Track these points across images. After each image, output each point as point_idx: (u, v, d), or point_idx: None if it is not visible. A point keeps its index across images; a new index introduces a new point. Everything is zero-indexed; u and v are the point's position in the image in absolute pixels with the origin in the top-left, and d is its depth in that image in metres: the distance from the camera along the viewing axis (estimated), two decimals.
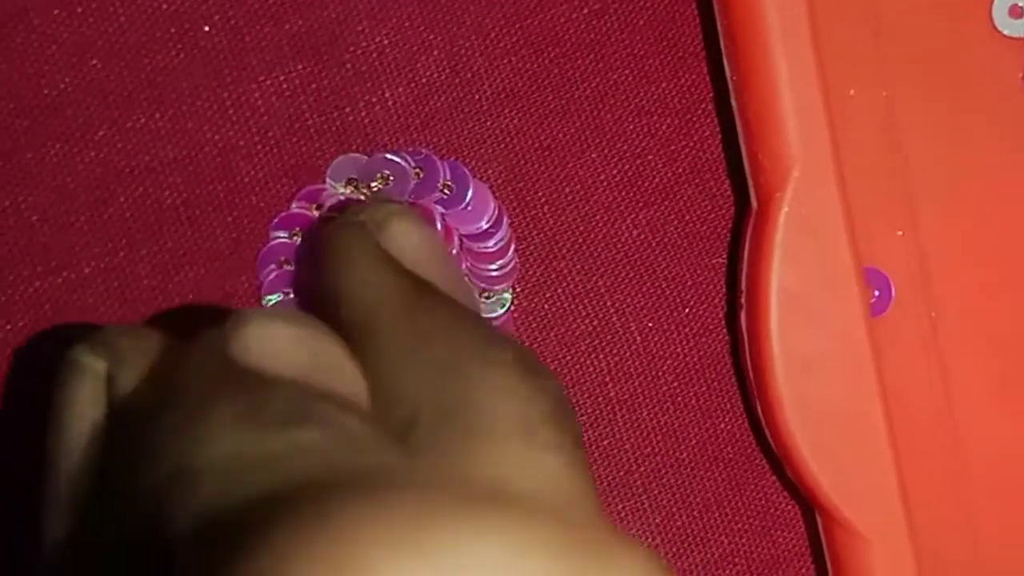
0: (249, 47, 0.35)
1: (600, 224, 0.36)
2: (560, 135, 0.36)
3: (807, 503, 0.36)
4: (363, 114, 0.35)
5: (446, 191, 0.35)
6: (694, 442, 0.37)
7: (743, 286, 0.35)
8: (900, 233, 0.36)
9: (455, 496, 0.18)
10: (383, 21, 0.35)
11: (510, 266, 0.35)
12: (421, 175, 0.35)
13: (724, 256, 0.37)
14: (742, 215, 0.36)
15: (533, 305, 0.36)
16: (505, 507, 0.18)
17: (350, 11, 0.35)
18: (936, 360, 0.36)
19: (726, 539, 0.37)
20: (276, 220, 0.35)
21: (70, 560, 0.25)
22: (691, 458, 0.37)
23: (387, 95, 0.36)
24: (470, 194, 0.35)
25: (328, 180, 0.35)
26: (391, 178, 0.35)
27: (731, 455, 0.37)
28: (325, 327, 0.26)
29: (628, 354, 0.36)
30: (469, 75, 0.36)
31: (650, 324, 0.36)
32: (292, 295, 0.35)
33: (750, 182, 0.35)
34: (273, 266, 0.35)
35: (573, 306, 0.36)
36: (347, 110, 0.35)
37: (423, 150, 0.35)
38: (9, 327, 0.35)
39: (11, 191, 0.34)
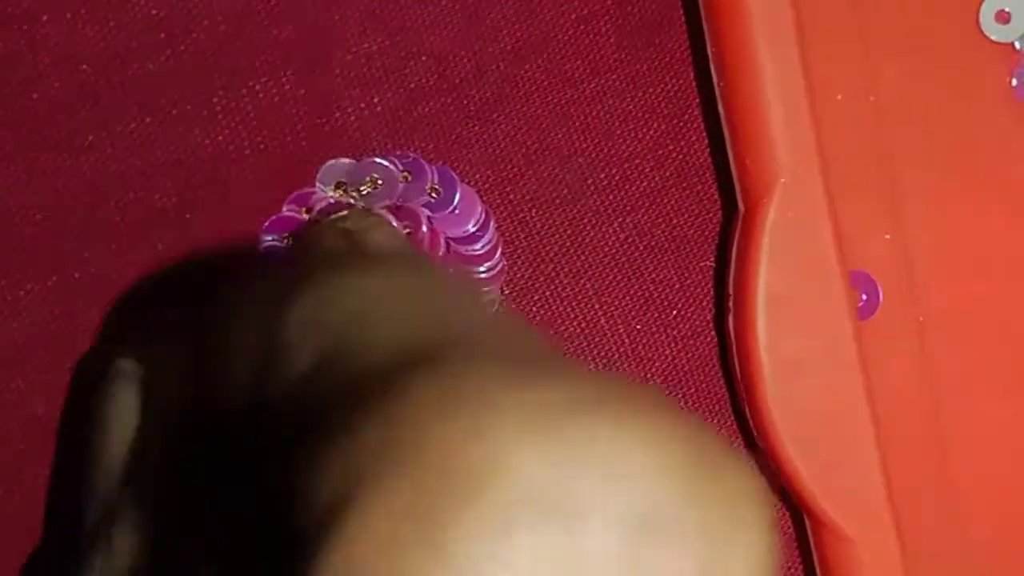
0: (239, 53, 0.35)
1: (588, 228, 0.36)
2: (548, 140, 0.36)
3: (795, 505, 0.36)
4: (352, 119, 0.36)
5: (434, 195, 0.35)
6: None
7: (730, 290, 0.35)
8: (887, 237, 0.36)
9: (594, 386, 0.18)
10: (372, 27, 0.36)
11: (497, 268, 0.35)
12: (409, 179, 0.35)
13: (712, 260, 0.37)
14: (730, 219, 0.36)
15: (521, 307, 0.36)
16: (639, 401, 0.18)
17: (339, 18, 0.35)
18: (923, 363, 0.36)
19: None
20: (267, 223, 0.35)
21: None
22: None
23: (376, 100, 0.36)
24: (457, 198, 0.35)
25: (318, 184, 0.35)
26: (380, 182, 0.35)
27: None
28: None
29: (616, 357, 0.37)
30: (457, 80, 0.36)
31: (638, 327, 0.37)
32: None
33: (737, 187, 0.35)
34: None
35: (561, 309, 0.36)
36: (337, 115, 0.35)
37: (411, 154, 0.35)
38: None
39: (1, 195, 0.35)
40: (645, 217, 0.37)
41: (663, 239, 0.37)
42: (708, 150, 0.37)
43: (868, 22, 0.36)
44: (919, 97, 0.36)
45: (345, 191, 0.35)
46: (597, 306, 0.36)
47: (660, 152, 0.37)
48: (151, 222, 0.35)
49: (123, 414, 0.29)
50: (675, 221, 0.37)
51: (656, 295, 0.37)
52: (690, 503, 0.17)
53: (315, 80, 0.35)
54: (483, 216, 0.35)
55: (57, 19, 0.35)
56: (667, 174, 0.37)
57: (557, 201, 0.36)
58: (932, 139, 0.36)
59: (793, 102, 0.34)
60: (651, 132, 0.37)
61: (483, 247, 0.35)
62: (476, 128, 0.36)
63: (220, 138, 0.35)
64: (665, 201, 0.37)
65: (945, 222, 0.36)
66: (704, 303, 0.37)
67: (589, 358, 0.37)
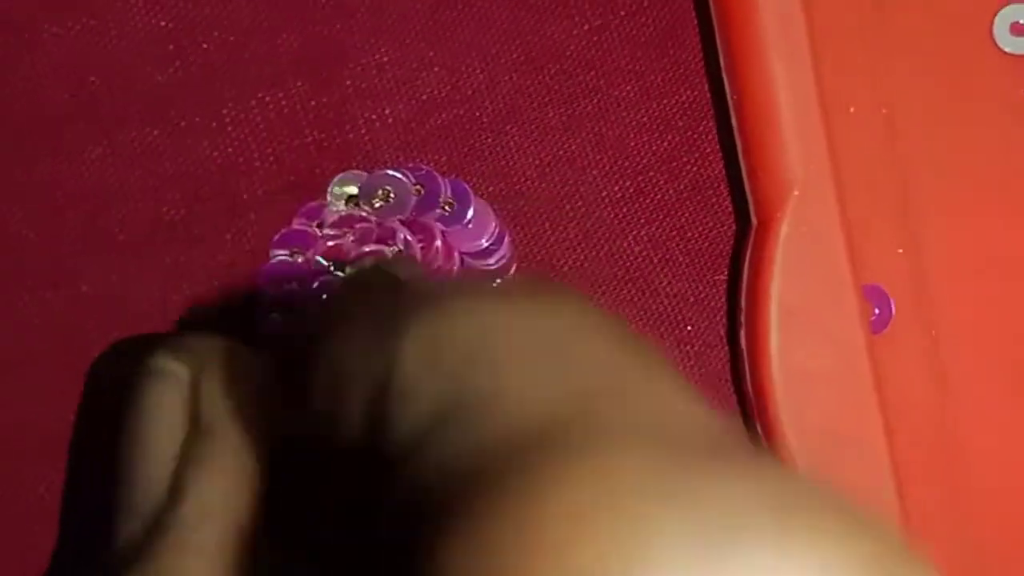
0: (248, 64, 0.35)
1: (602, 241, 0.36)
2: (561, 152, 0.36)
3: None
4: (363, 131, 0.35)
5: (447, 208, 0.35)
6: None
7: (743, 304, 0.35)
8: (900, 251, 0.36)
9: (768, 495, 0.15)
10: (383, 38, 0.35)
11: None
12: (422, 192, 0.34)
13: (726, 273, 0.37)
14: (743, 232, 0.36)
15: None
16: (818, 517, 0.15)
17: (350, 28, 0.35)
18: (937, 378, 0.36)
19: None
20: (276, 238, 0.35)
21: None
22: None
23: (387, 112, 0.35)
24: (471, 211, 0.34)
25: (329, 197, 0.35)
26: (392, 195, 0.34)
27: None
28: None
29: None
30: (470, 92, 0.36)
31: (652, 343, 0.36)
32: (293, 315, 0.35)
33: (750, 200, 0.35)
34: (274, 285, 0.35)
35: None
36: (347, 127, 0.35)
37: (424, 166, 0.35)
38: (4, 344, 0.35)
39: (7, 208, 0.34)
40: (659, 230, 0.36)
41: (677, 252, 0.37)
42: (722, 162, 0.37)
43: (880, 34, 0.36)
44: (932, 109, 0.36)
45: (357, 204, 0.35)
46: None
47: (674, 164, 0.36)
48: (157, 235, 0.35)
49: (165, 422, 0.26)
50: (690, 234, 0.37)
51: (670, 310, 0.36)
52: None
53: (325, 91, 0.35)
54: (497, 230, 0.35)
55: (62, 29, 0.34)
56: (681, 186, 0.36)
57: (571, 214, 0.36)
58: (945, 151, 0.36)
59: (806, 114, 0.34)
60: (665, 144, 0.36)
61: (497, 262, 0.35)
62: (489, 140, 0.36)
63: (229, 150, 0.35)
64: (680, 214, 0.36)
65: (958, 235, 0.36)
66: (718, 318, 0.37)
67: None
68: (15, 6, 0.34)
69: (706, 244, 0.37)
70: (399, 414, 0.18)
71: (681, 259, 0.37)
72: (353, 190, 0.35)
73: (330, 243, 0.34)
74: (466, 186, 0.35)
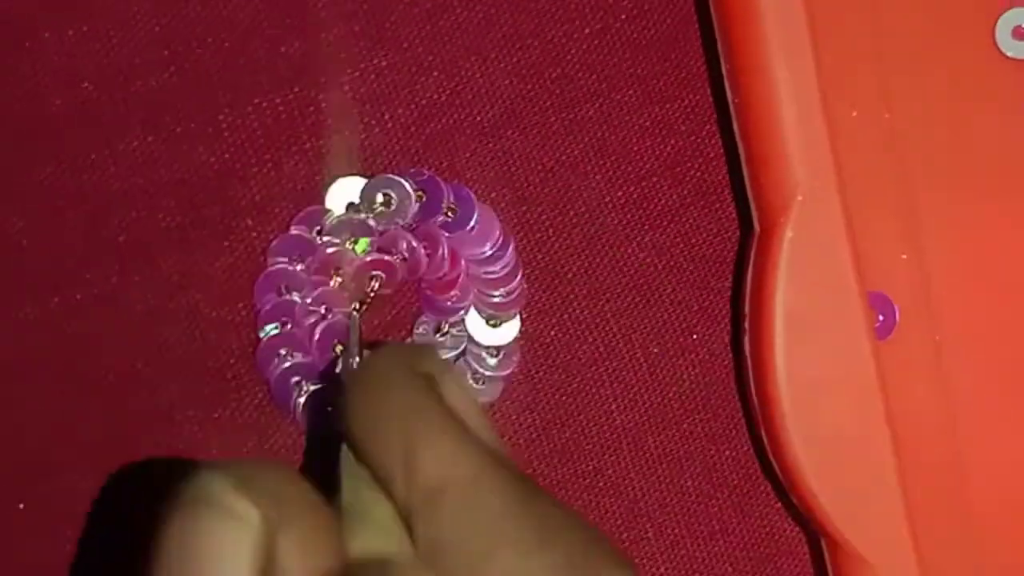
0: (245, 69, 0.34)
1: (606, 247, 0.36)
2: (563, 157, 0.35)
3: (812, 529, 0.36)
4: (362, 136, 0.35)
5: (450, 214, 0.34)
6: (699, 469, 0.36)
7: (747, 310, 0.35)
8: (904, 257, 0.35)
9: None
10: (381, 42, 0.35)
11: (517, 292, 0.35)
12: (424, 197, 0.34)
13: (730, 279, 0.36)
14: (747, 237, 0.36)
15: (539, 331, 0.35)
16: None
17: (347, 32, 0.35)
18: (941, 384, 0.36)
19: (730, 566, 0.37)
20: (274, 244, 0.34)
21: None
22: (696, 485, 0.36)
23: (387, 117, 0.35)
24: (475, 217, 0.34)
25: (327, 202, 0.34)
26: (392, 200, 0.34)
27: (736, 481, 0.37)
28: None
29: (634, 381, 0.36)
30: (470, 96, 0.35)
31: (655, 350, 0.36)
32: (291, 327, 0.34)
33: (753, 206, 0.35)
34: (272, 294, 0.34)
35: (579, 332, 0.36)
36: (346, 132, 0.35)
37: (426, 171, 0.34)
38: (3, 349, 0.34)
39: (6, 213, 0.34)
40: (663, 236, 0.36)
41: (681, 258, 0.36)
42: (726, 167, 0.36)
43: (883, 38, 0.35)
44: (935, 114, 0.36)
45: (356, 210, 0.34)
46: (615, 329, 0.36)
47: (678, 169, 0.36)
48: (155, 242, 0.34)
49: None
50: (693, 240, 0.36)
51: (675, 317, 0.36)
52: None
53: (323, 96, 0.34)
54: (501, 236, 0.34)
55: (59, 36, 0.34)
56: (685, 192, 0.36)
57: (574, 219, 0.36)
58: (948, 156, 0.36)
59: (809, 119, 0.33)
60: (668, 149, 0.36)
61: (502, 269, 0.34)
62: (490, 145, 0.35)
63: (226, 156, 0.34)
64: (684, 220, 0.36)
65: (962, 241, 0.36)
66: (722, 324, 0.36)
67: (607, 384, 0.36)
68: (14, 10, 0.33)
69: (710, 250, 0.36)
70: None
71: (685, 265, 0.36)
72: (353, 196, 0.34)
73: (329, 249, 0.34)
74: (469, 191, 0.34)
